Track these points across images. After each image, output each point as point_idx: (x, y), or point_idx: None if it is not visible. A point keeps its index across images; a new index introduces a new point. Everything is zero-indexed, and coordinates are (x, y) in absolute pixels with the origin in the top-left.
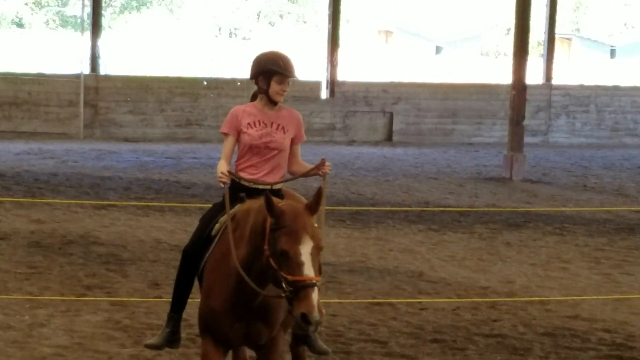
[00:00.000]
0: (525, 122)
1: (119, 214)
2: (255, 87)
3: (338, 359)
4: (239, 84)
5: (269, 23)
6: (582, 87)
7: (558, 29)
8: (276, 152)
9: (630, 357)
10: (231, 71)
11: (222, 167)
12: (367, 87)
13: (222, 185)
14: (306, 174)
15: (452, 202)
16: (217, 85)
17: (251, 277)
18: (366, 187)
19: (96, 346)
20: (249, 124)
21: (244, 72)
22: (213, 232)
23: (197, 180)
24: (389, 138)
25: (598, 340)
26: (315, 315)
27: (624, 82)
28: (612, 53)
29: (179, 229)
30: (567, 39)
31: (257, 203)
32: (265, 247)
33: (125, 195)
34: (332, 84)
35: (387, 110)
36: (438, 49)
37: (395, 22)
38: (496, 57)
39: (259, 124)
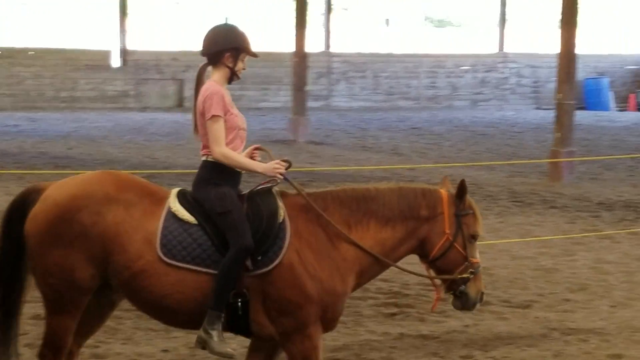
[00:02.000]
0: (308, 87)
1: None
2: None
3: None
4: (31, 53)
5: None
6: (359, 54)
7: (336, 1)
8: (245, 134)
9: (405, 304)
10: (23, 40)
11: (240, 157)
12: (158, 55)
13: (281, 177)
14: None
15: None
16: (10, 55)
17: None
18: (159, 151)
19: None
20: (229, 104)
21: (36, 41)
22: (280, 220)
23: None
24: (180, 104)
25: (376, 290)
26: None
27: (397, 49)
28: (387, 22)
29: None
30: (345, 9)
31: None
32: (447, 231)
33: None
34: (124, 52)
35: (177, 78)
36: (226, 20)
37: None
38: (280, 27)
39: (233, 104)
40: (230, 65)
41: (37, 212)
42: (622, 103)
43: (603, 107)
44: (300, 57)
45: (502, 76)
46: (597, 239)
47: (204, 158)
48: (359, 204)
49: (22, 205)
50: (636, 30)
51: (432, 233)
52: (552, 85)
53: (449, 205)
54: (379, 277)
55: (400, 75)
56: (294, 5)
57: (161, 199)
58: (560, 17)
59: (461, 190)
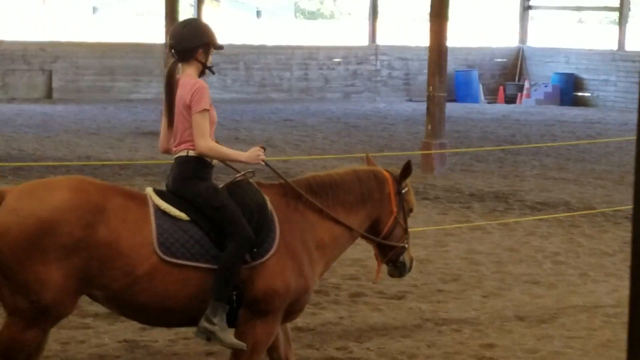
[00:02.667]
0: None
1: None
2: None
3: None
4: None
5: None
6: (231, 46)
7: None
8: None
9: None
10: None
11: (225, 149)
12: (26, 45)
13: (263, 164)
14: None
15: (113, 156)
16: None
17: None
18: (27, 143)
19: None
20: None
21: None
22: (269, 208)
23: None
24: (49, 95)
25: None
26: None
27: (269, 41)
28: (258, 14)
29: None
30: (216, 0)
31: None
32: (395, 209)
33: None
34: None
35: (46, 69)
36: (95, 10)
37: None
38: (150, 18)
39: None
40: (203, 60)
41: (8, 224)
42: (492, 95)
43: (473, 99)
44: None
45: (373, 68)
46: (468, 230)
47: (183, 153)
48: (327, 191)
49: None
50: (505, 23)
51: (383, 213)
52: (422, 78)
53: (393, 184)
54: None
55: (273, 67)
56: None
57: (143, 200)
58: (430, 9)
59: (407, 170)
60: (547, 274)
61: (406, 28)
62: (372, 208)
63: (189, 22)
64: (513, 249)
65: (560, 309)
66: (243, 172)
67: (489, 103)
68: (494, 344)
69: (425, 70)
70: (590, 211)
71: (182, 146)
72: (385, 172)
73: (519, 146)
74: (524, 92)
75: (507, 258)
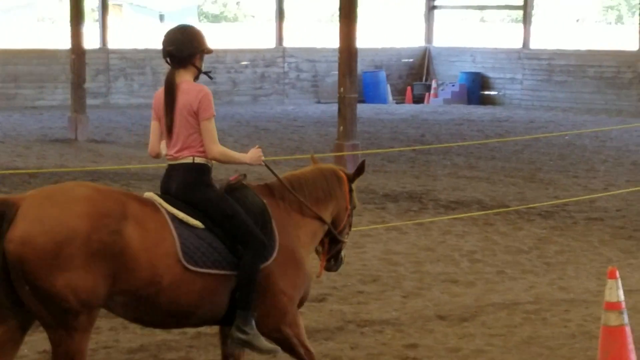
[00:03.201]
0: (86, 85)
1: None
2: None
3: None
4: None
5: None
6: (136, 50)
7: None
8: None
9: None
10: None
11: (233, 152)
12: None
13: (263, 165)
14: None
15: (21, 165)
16: None
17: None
18: None
19: None
20: None
21: None
22: (269, 212)
23: None
24: None
25: None
26: None
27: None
28: (161, 18)
29: None
30: (119, 5)
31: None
32: (349, 207)
33: None
34: None
35: None
36: None
37: None
38: (53, 23)
39: None
40: (199, 66)
41: (34, 233)
42: (400, 96)
43: (381, 100)
44: (78, 53)
45: (281, 71)
46: (384, 231)
47: (188, 160)
48: (304, 190)
49: None
50: (410, 23)
51: (340, 210)
52: (330, 79)
53: (347, 183)
54: None
55: None
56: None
57: (154, 206)
58: (339, 11)
59: (361, 169)
60: (464, 272)
61: (312, 29)
62: (335, 204)
63: (186, 28)
64: (430, 248)
65: (480, 307)
66: (236, 175)
67: (397, 103)
68: (417, 344)
69: (333, 72)
70: (503, 209)
71: (186, 152)
72: (340, 171)
73: (430, 146)
74: (432, 91)
75: (424, 258)
